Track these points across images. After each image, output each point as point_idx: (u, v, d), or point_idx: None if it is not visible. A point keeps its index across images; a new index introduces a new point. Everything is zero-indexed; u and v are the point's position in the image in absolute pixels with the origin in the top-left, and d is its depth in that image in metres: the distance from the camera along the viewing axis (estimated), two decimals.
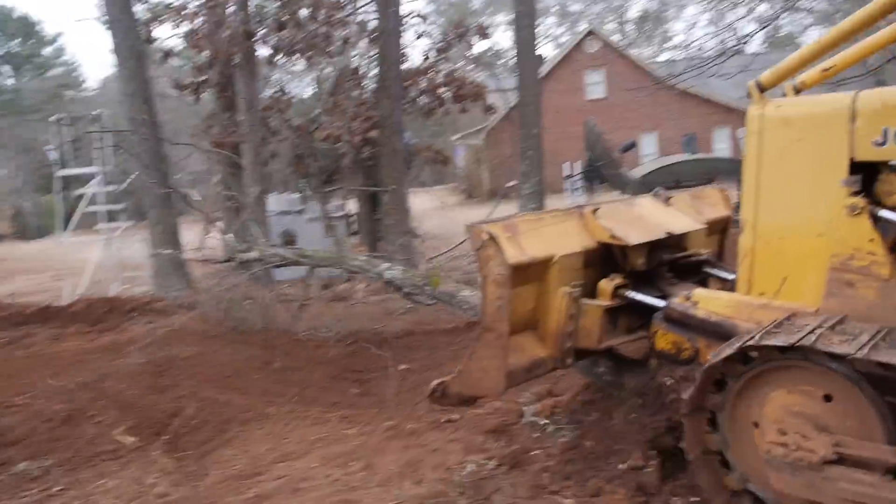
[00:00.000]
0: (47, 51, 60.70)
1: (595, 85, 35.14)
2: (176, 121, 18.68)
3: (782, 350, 2.97)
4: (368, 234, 15.59)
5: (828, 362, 2.92)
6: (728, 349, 3.10)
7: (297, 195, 15.16)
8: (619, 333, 4.11)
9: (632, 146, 23.70)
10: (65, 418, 5.96)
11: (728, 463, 3.26)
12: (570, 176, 26.65)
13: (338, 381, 7.53)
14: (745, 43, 12.43)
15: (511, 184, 38.10)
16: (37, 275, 20.72)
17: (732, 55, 12.18)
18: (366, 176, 14.79)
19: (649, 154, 33.75)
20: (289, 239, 15.14)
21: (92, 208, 14.54)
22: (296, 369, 7.71)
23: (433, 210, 29.19)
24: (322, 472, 4.60)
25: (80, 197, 15.54)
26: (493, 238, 3.55)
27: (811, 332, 2.99)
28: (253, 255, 8.80)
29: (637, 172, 26.01)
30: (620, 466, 3.78)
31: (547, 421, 4.66)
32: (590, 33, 35.15)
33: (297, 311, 8.85)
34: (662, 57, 46.70)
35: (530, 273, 3.77)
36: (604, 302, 3.99)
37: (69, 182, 16.50)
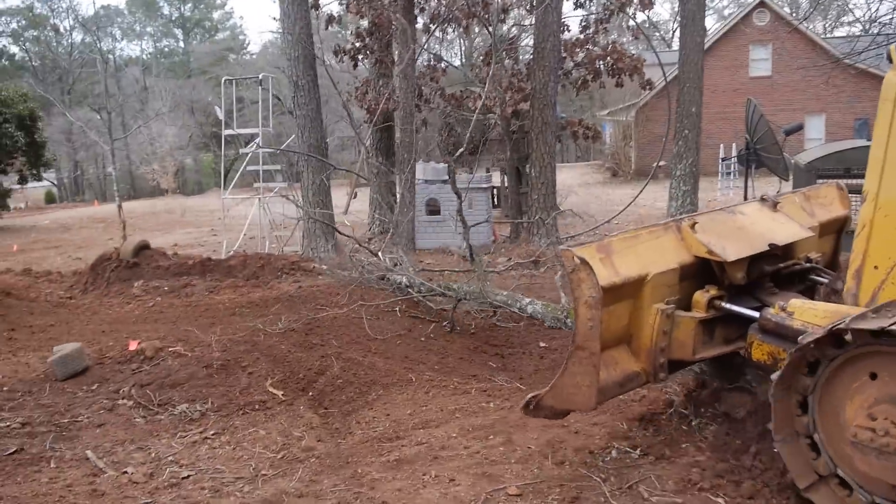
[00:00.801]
0: (216, 15, 64.04)
1: (760, 62, 33.15)
2: (328, 86, 19.19)
3: (875, 334, 2.94)
4: (512, 208, 15.52)
5: None
6: (821, 331, 3.11)
7: (443, 164, 15.18)
8: (716, 344, 4.10)
9: (798, 129, 22.35)
10: (220, 366, 6.28)
11: (816, 446, 3.28)
12: (725, 159, 25.49)
13: (477, 354, 7.56)
14: None
15: (660, 163, 37.03)
16: (195, 228, 22.05)
17: None
18: (514, 148, 14.68)
19: (814, 139, 31.63)
20: (433, 208, 15.35)
21: (251, 168, 15.16)
22: (436, 338, 7.83)
23: (577, 187, 28.81)
24: (461, 442, 4.62)
25: (239, 156, 16.27)
26: (584, 262, 3.57)
27: None
28: (401, 279, 8.97)
29: (802, 158, 24.49)
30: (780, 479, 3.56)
31: (695, 417, 4.46)
32: (760, 4, 33.07)
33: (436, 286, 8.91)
34: (839, 32, 43.54)
35: (624, 291, 3.80)
36: (698, 314, 3.99)
37: (230, 141, 17.33)
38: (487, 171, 21.76)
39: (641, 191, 15.84)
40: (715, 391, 4.63)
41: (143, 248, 11.81)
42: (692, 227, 4.09)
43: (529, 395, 3.96)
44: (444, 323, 8.21)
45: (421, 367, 6.76)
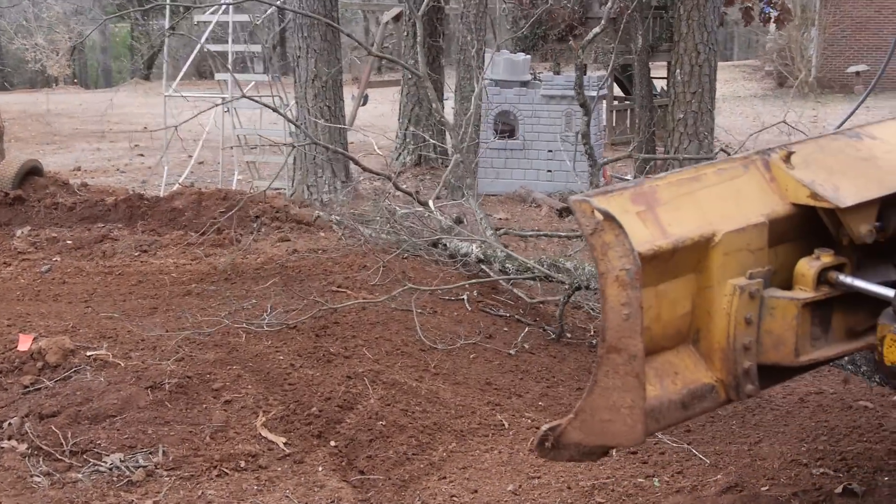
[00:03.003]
0: None
1: None
2: None
3: None
4: (642, 130, 15.13)
5: None
6: None
7: (525, 56, 14.76)
8: (835, 340, 4.17)
9: None
10: (177, 388, 6.05)
11: None
12: None
13: None
14: None
15: (856, 69, 36.33)
16: (109, 144, 22.11)
17: None
18: (649, 34, 14.40)
19: None
20: (505, 127, 15.01)
21: (212, 48, 14.75)
22: (534, 351, 7.67)
23: (721, 102, 28.52)
24: None
25: (175, 27, 15.91)
26: (609, 219, 3.56)
27: None
28: (470, 249, 8.91)
29: None
30: None
31: None
32: None
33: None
34: None
35: (680, 261, 3.84)
36: (803, 294, 4.00)
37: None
38: (583, 69, 21.41)
39: (857, 108, 15.31)
40: None
41: (31, 173, 11.80)
42: (786, 159, 4.11)
43: (545, 428, 3.90)
44: (548, 327, 8.09)
45: (515, 403, 6.59)
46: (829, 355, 4.18)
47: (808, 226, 4.14)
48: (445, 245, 9.21)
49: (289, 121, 12.06)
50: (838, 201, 3.96)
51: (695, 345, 4.06)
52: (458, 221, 9.73)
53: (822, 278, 4.01)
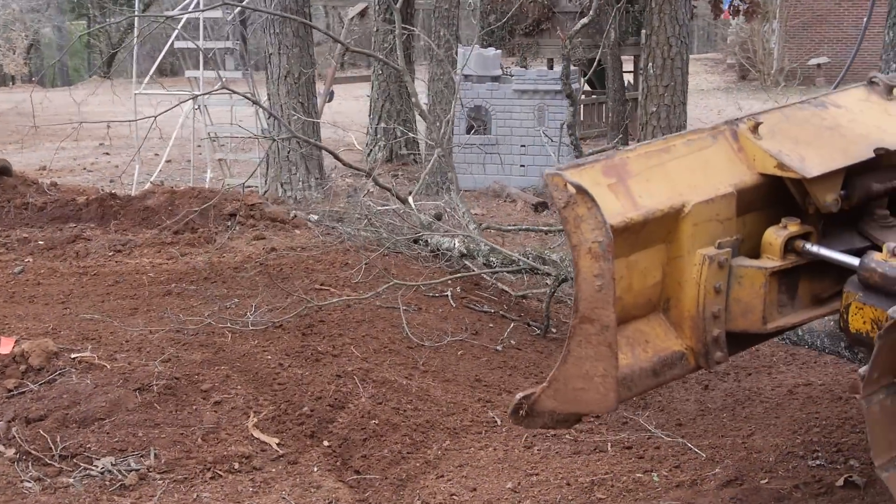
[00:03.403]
0: None
1: None
2: None
3: None
4: (615, 125, 15.15)
5: None
6: None
7: (496, 51, 14.73)
8: (801, 307, 4.26)
9: None
10: (165, 390, 5.99)
11: None
12: None
13: None
14: None
15: (817, 61, 36.47)
16: (73, 143, 21.78)
17: None
18: (622, 29, 14.40)
19: None
20: (478, 122, 14.99)
21: (181, 45, 14.62)
22: (520, 347, 7.67)
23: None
24: None
25: (137, 25, 15.75)
26: (581, 192, 3.63)
27: None
28: (454, 245, 8.88)
29: None
30: None
31: None
32: None
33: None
34: None
35: (650, 232, 3.92)
36: (770, 263, 4.09)
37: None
38: (549, 63, 21.42)
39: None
40: None
41: (1, 172, 11.66)
42: (754, 129, 4.16)
43: (520, 396, 4.08)
44: (533, 323, 8.13)
45: (506, 399, 6.47)
46: (795, 321, 4.27)
47: (774, 195, 4.20)
48: (427, 241, 9.18)
49: (271, 115, 12.00)
50: (805, 171, 4.01)
51: (665, 313, 4.15)
52: (438, 217, 9.71)
53: (788, 247, 4.10)
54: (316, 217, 10.79)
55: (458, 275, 8.60)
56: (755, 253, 4.17)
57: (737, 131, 4.24)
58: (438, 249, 9.05)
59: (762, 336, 4.36)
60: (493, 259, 8.59)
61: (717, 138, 4.22)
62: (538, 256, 8.46)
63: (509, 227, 10.35)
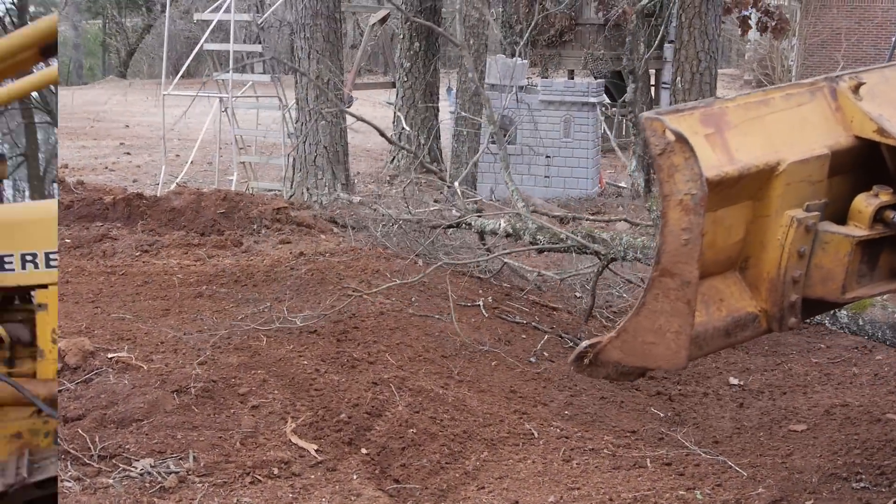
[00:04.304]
0: None
1: None
2: None
3: None
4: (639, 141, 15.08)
5: None
6: None
7: (522, 61, 14.74)
8: (879, 279, 4.18)
9: None
10: (203, 392, 5.95)
11: None
12: None
13: (626, 391, 7.36)
14: None
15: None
16: (94, 141, 21.89)
17: None
18: (649, 42, 14.37)
19: None
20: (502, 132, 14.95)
21: (211, 47, 14.62)
22: (553, 359, 7.69)
23: None
24: None
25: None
26: (681, 139, 3.56)
27: None
28: (499, 225, 8.91)
29: None
30: None
31: None
32: None
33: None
34: None
35: (742, 188, 3.88)
36: (858, 231, 4.01)
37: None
38: (570, 74, 21.46)
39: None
40: None
41: None
42: (855, 89, 4.07)
43: (585, 344, 4.09)
44: (565, 335, 8.19)
45: (542, 412, 6.55)
46: (871, 293, 4.23)
47: (866, 159, 4.11)
48: (470, 224, 9.18)
49: (291, 121, 11.91)
50: None
51: (742, 272, 4.13)
52: (478, 211, 9.74)
53: (878, 216, 4.02)
54: (350, 222, 10.82)
55: (509, 251, 8.69)
56: (838, 217, 4.10)
57: (836, 89, 4.13)
58: (482, 231, 9.07)
59: (836, 304, 4.39)
60: (541, 237, 8.52)
61: (815, 95, 4.12)
62: (588, 234, 8.41)
63: (557, 214, 10.27)
